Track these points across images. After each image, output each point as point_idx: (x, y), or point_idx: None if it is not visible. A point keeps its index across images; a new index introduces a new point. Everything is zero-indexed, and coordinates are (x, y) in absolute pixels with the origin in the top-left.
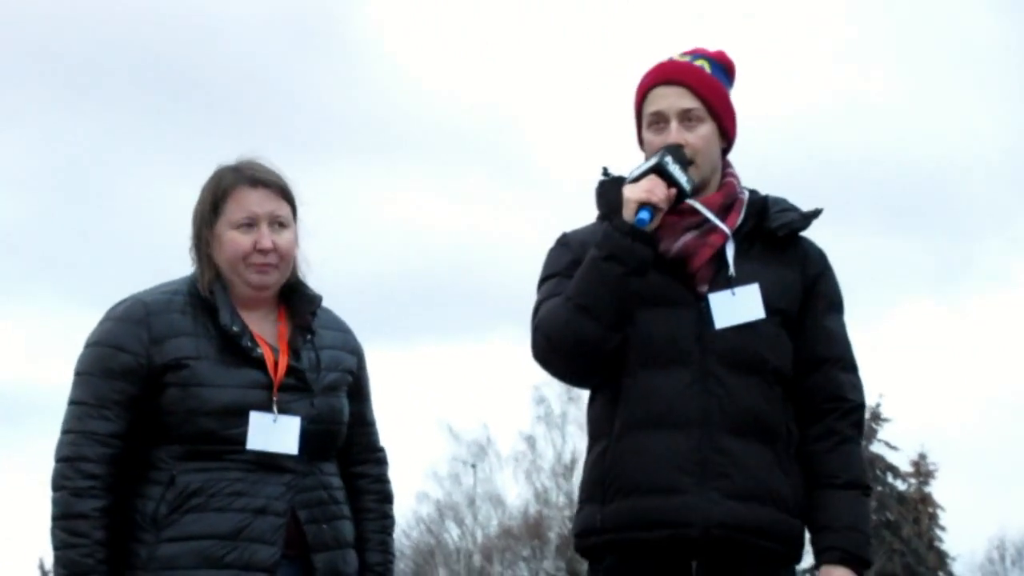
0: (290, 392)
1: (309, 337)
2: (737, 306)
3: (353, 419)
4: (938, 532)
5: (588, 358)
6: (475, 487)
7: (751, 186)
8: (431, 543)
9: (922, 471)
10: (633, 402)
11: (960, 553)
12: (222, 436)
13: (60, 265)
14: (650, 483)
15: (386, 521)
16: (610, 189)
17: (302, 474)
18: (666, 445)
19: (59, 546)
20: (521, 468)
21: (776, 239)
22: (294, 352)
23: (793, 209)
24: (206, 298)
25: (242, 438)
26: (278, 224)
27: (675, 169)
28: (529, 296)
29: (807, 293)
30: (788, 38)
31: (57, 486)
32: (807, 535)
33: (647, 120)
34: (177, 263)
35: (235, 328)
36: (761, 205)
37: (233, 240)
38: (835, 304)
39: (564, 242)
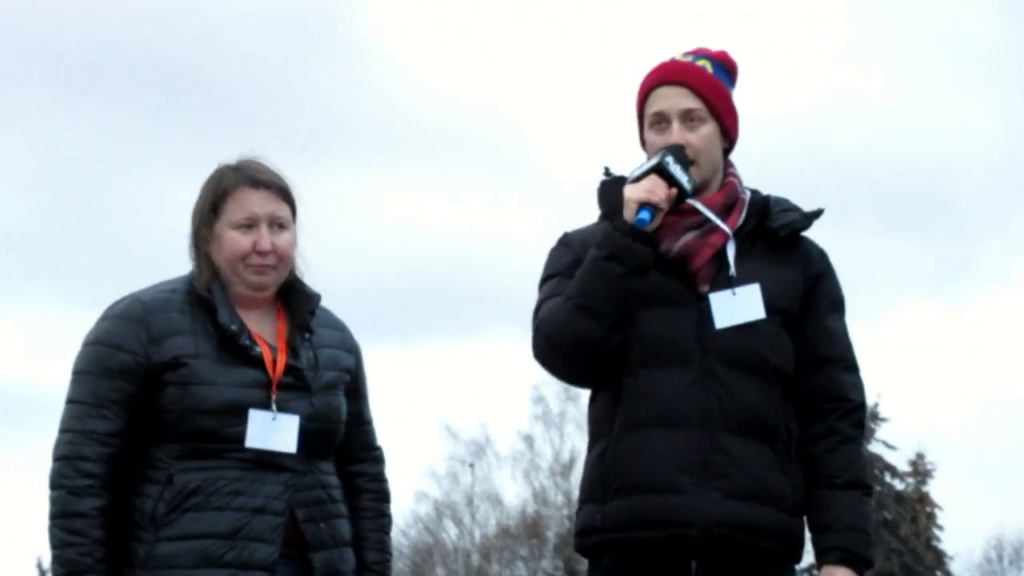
0: (289, 391)
1: (307, 336)
2: (738, 306)
3: (350, 418)
4: (936, 532)
5: (588, 358)
6: (473, 486)
7: (752, 186)
8: (429, 542)
9: (920, 471)
10: (633, 401)
11: (958, 552)
12: (221, 435)
13: (60, 265)
14: (650, 482)
15: (383, 520)
16: (612, 189)
17: (300, 473)
18: (666, 445)
19: (57, 545)
20: (519, 467)
21: (777, 239)
22: (292, 351)
23: (795, 209)
24: (204, 297)
25: (241, 436)
26: (278, 225)
27: (676, 169)
28: (529, 296)
29: (808, 293)
30: (788, 38)
31: (55, 485)
32: (807, 535)
33: (649, 120)
34: (177, 263)
35: (233, 327)
36: (763, 205)
37: (232, 240)
38: (836, 304)
39: (565, 242)
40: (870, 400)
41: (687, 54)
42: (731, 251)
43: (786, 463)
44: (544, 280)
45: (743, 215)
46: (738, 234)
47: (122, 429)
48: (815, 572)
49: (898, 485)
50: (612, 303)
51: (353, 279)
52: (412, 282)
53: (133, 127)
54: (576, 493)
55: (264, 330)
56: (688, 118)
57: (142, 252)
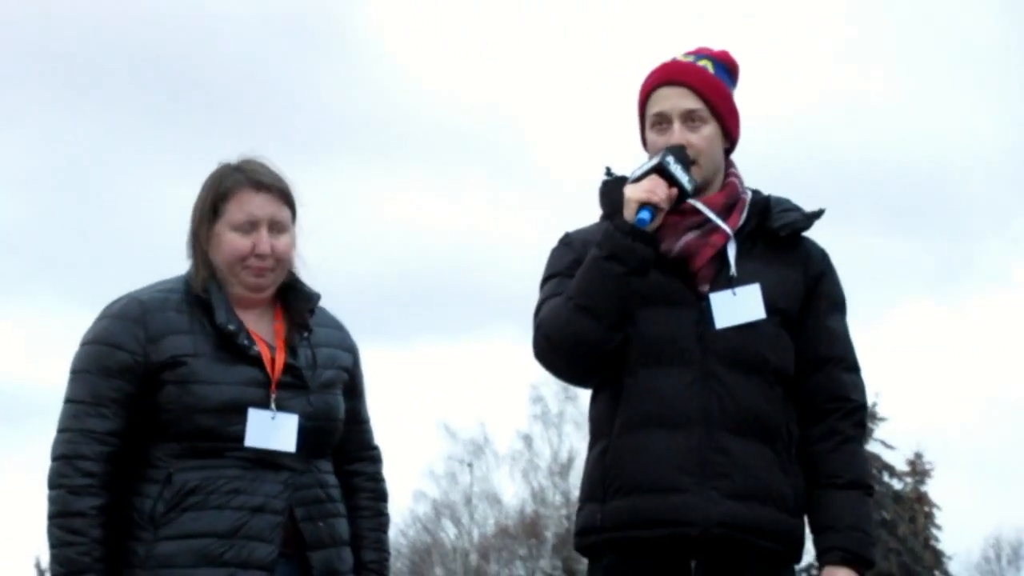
0: (287, 389)
1: (306, 335)
2: (738, 306)
3: (348, 417)
4: (934, 531)
5: (588, 358)
6: (472, 486)
7: (752, 186)
8: (428, 542)
9: (918, 470)
10: (634, 401)
11: (956, 552)
12: (220, 433)
13: (60, 265)
14: (650, 482)
15: (381, 519)
16: (613, 189)
17: (299, 472)
18: (666, 444)
19: (56, 544)
20: (518, 467)
21: (778, 239)
22: (291, 350)
23: (796, 209)
24: (201, 296)
25: (240, 435)
26: (277, 228)
27: (676, 169)
28: (529, 296)
29: (809, 293)
30: (788, 38)
31: (54, 484)
32: (807, 535)
33: (650, 121)
34: (177, 263)
35: (231, 327)
36: (764, 205)
37: (232, 241)
38: (837, 304)
39: (567, 241)
40: (868, 399)
41: (688, 54)
42: (732, 251)
43: (786, 463)
44: (545, 280)
45: (744, 215)
46: (739, 234)
47: (121, 428)
48: (813, 572)
49: (896, 485)
50: (612, 303)
51: (353, 279)
52: (412, 282)
53: (133, 127)
54: (574, 493)
55: (262, 329)
56: (689, 119)
57: (142, 252)
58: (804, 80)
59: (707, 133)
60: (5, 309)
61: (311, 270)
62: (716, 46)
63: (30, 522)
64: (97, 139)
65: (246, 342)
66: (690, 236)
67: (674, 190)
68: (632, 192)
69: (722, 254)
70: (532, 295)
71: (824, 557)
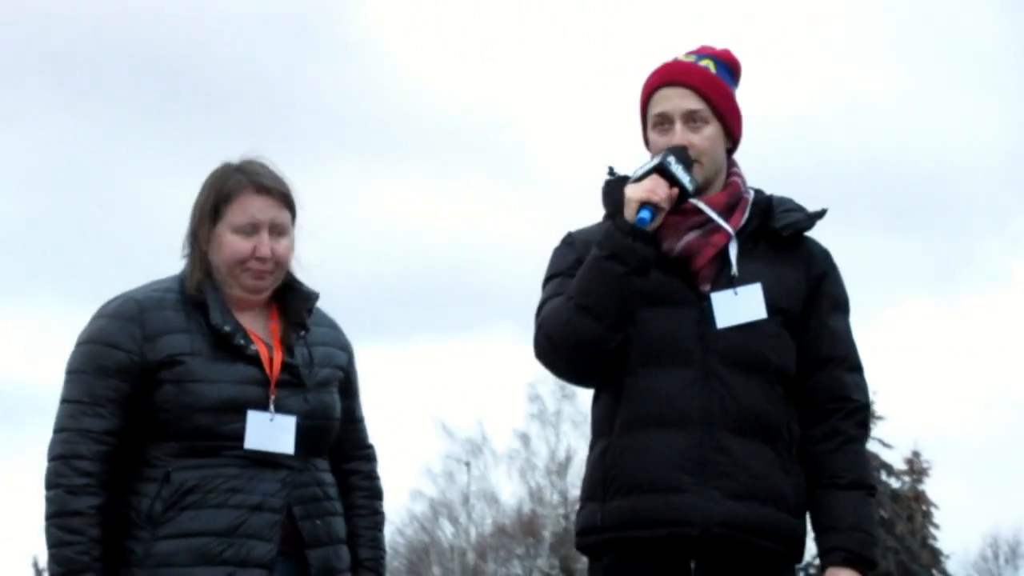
0: (285, 388)
1: (302, 334)
2: (739, 305)
3: (343, 416)
4: (932, 530)
5: (589, 357)
6: (469, 485)
7: (752, 186)
8: (425, 541)
9: (916, 469)
10: (634, 401)
11: (954, 551)
12: (218, 432)
13: (60, 265)
14: (650, 482)
15: (377, 517)
16: (615, 188)
17: (297, 470)
18: (667, 444)
19: (54, 544)
20: (515, 466)
21: (780, 239)
22: (288, 348)
23: (798, 209)
24: (196, 297)
25: (238, 434)
26: (278, 231)
27: (677, 169)
28: (528, 295)
29: (811, 293)
30: (788, 38)
31: (51, 484)
32: (808, 535)
33: (652, 121)
34: (177, 263)
35: (227, 327)
36: (766, 205)
37: (233, 244)
38: (840, 304)
39: (569, 241)
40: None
41: (690, 54)
42: (733, 251)
43: (787, 463)
44: (547, 279)
45: (746, 215)
46: (741, 234)
47: (118, 427)
48: (812, 571)
49: (894, 483)
50: (613, 303)
51: (353, 279)
52: (411, 282)
53: (133, 127)
54: (572, 492)
55: (258, 328)
56: (691, 119)
57: (142, 252)
58: (804, 80)
59: (709, 133)
60: (5, 309)
61: (308, 270)
62: (718, 45)
63: (28, 522)
64: (97, 139)
65: (243, 341)
66: (691, 236)
67: (675, 190)
68: (633, 192)
69: (724, 254)
70: (531, 295)
71: (826, 558)
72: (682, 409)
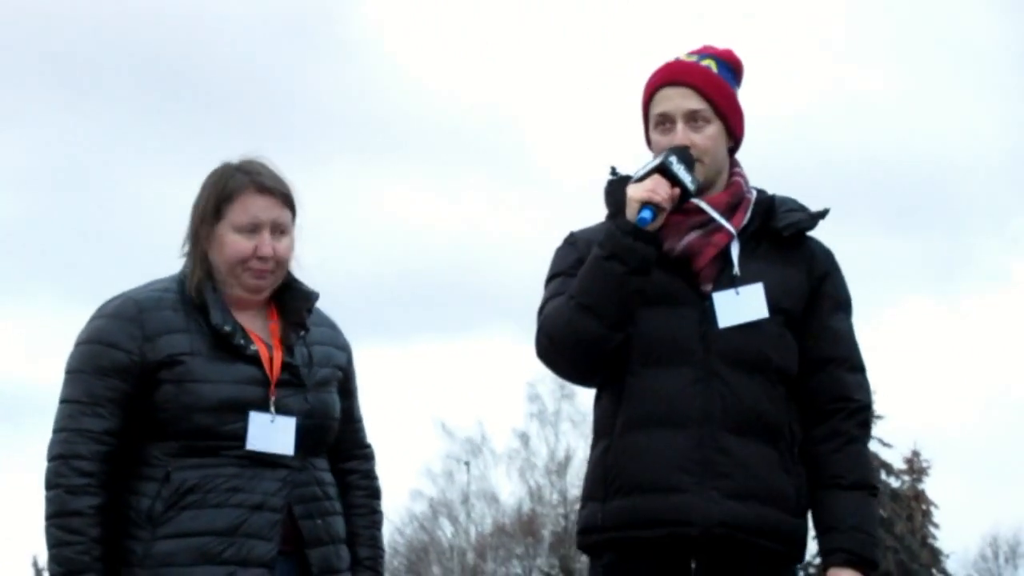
0: (285, 388)
1: (302, 334)
2: (741, 305)
3: (341, 415)
4: (931, 529)
5: (590, 357)
6: (469, 484)
7: (754, 186)
8: (425, 540)
9: (916, 468)
10: (635, 400)
11: (954, 550)
12: (218, 432)
13: (60, 265)
14: (651, 482)
15: (375, 516)
16: (618, 188)
17: (297, 470)
18: (667, 444)
19: (54, 544)
20: (515, 465)
21: (783, 239)
22: (288, 348)
23: (800, 209)
24: (195, 297)
25: (238, 434)
26: (279, 231)
27: (679, 169)
28: (527, 295)
29: (813, 293)
30: (788, 38)
31: (51, 484)
32: (810, 536)
33: (654, 121)
34: (177, 263)
35: (227, 328)
36: (768, 205)
37: (235, 243)
38: (842, 304)
39: (571, 241)
40: None
41: (692, 53)
42: (735, 250)
43: (788, 463)
44: (549, 279)
45: (748, 214)
46: (743, 233)
47: (117, 427)
48: (811, 571)
49: (894, 483)
50: (613, 302)
51: (353, 279)
52: (411, 282)
53: (133, 127)
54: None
55: (257, 328)
56: (693, 119)
57: (142, 252)
58: (804, 80)
59: (710, 133)
60: (5, 309)
61: (307, 270)
62: (720, 45)
63: (28, 522)
64: (97, 139)
65: (243, 341)
66: (693, 235)
67: (676, 190)
68: (634, 191)
69: (725, 254)
70: (531, 295)
71: (828, 558)
72: (683, 409)
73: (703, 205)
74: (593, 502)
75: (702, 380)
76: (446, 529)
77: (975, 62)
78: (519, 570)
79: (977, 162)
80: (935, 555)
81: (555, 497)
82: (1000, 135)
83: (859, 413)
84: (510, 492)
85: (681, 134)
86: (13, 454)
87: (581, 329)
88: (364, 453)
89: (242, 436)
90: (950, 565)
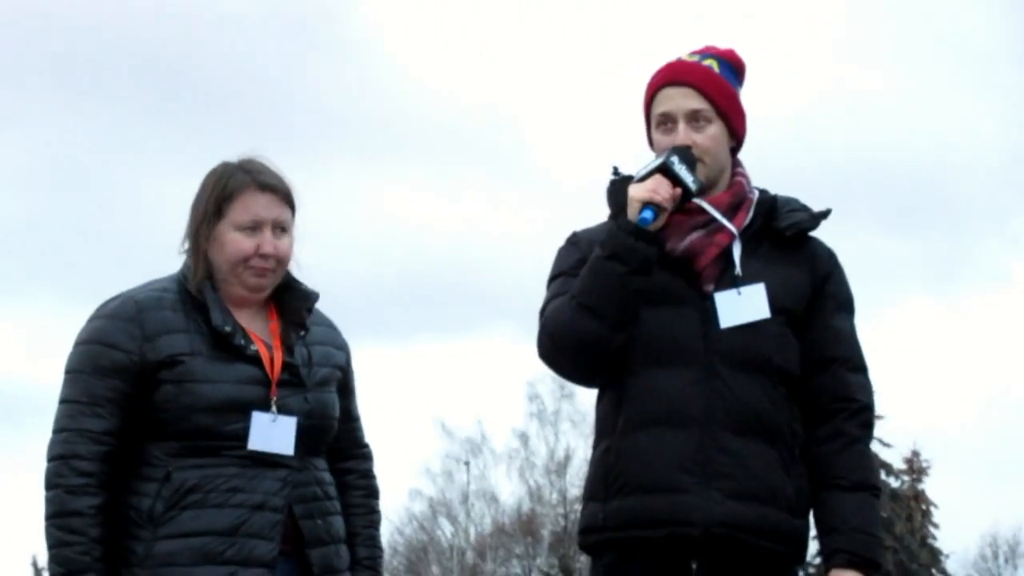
0: (285, 388)
1: (302, 333)
2: (743, 305)
3: (340, 415)
4: (931, 529)
5: (591, 357)
6: (468, 484)
7: (755, 186)
8: (424, 540)
9: (915, 468)
10: (637, 401)
11: (953, 550)
12: (219, 432)
13: (60, 265)
14: (652, 482)
15: (373, 516)
16: (620, 188)
17: (297, 470)
18: (668, 444)
19: (54, 544)
20: (514, 465)
21: (785, 239)
22: (288, 348)
23: (803, 209)
24: (195, 296)
25: (238, 434)
26: (280, 229)
27: (681, 169)
28: (527, 295)
29: (815, 293)
30: (788, 38)
31: (51, 484)
32: (811, 536)
33: (655, 121)
34: (177, 263)
35: (227, 328)
36: (770, 205)
37: (236, 242)
38: (844, 304)
39: (573, 241)
40: None
41: (693, 53)
42: (737, 250)
43: (790, 463)
44: (551, 279)
45: (750, 215)
46: (744, 234)
47: (117, 427)
48: (811, 571)
49: (893, 483)
50: (615, 302)
51: (353, 279)
52: (411, 282)
53: (133, 127)
54: (571, 491)
55: (257, 328)
56: (694, 119)
57: (142, 252)
58: (804, 80)
59: (712, 133)
60: (5, 309)
61: (307, 269)
62: (722, 45)
63: (28, 522)
64: (97, 139)
65: (243, 341)
66: (695, 235)
67: (678, 190)
68: (635, 191)
69: (727, 253)
70: (531, 295)
71: (830, 560)
72: (684, 409)
73: (705, 205)
74: (594, 502)
75: (703, 380)
76: (445, 529)
77: (975, 62)
78: (519, 570)
79: (977, 162)
80: (935, 555)
81: (555, 497)
82: (1000, 135)
83: (861, 413)
84: (510, 492)
85: (683, 134)
86: (13, 454)
87: (582, 329)
88: (362, 453)
89: (243, 436)
90: (950, 565)
